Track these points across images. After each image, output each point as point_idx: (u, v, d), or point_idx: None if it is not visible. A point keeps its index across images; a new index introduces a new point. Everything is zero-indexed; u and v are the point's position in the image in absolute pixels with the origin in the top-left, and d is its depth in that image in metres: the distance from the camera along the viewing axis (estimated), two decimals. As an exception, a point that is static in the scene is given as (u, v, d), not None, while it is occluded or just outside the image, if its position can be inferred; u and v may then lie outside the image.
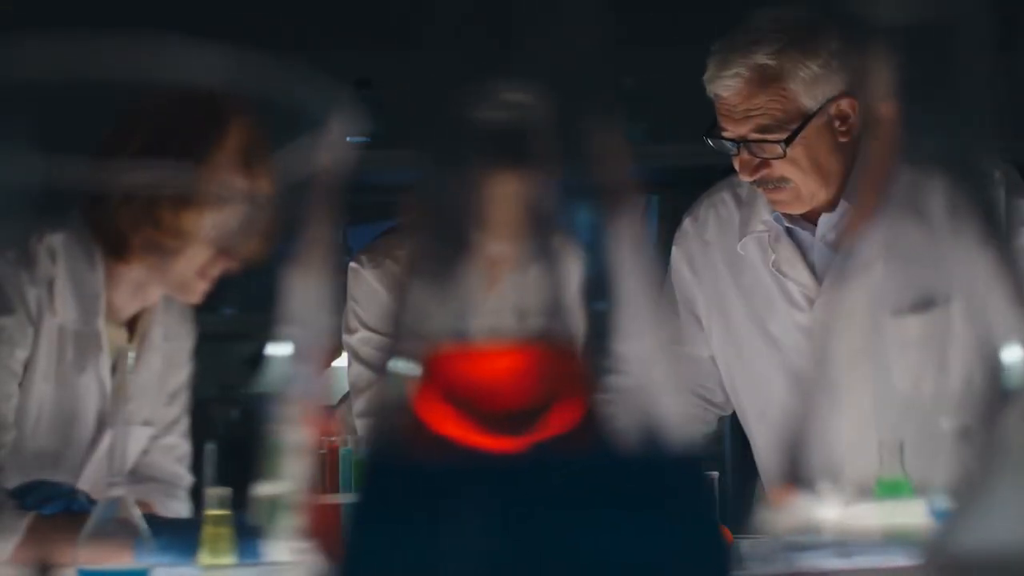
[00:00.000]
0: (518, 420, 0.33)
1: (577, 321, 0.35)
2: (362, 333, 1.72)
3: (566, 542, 0.30)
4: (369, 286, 1.71)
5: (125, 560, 1.13)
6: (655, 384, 0.32)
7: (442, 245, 0.34)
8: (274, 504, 1.43)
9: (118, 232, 1.40)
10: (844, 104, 1.64)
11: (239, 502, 1.22)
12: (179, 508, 1.55)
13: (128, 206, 1.38)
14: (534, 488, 0.31)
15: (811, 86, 1.60)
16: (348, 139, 0.42)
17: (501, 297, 0.34)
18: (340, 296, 1.72)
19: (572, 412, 0.33)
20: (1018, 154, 1.67)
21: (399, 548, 0.31)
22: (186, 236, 1.38)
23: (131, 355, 1.36)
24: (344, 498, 1.47)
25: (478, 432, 0.32)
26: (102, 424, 1.47)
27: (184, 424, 1.62)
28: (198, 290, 1.44)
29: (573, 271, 0.35)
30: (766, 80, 1.60)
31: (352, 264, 1.74)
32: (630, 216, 0.35)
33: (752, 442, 1.81)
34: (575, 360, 0.35)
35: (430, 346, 0.34)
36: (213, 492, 1.21)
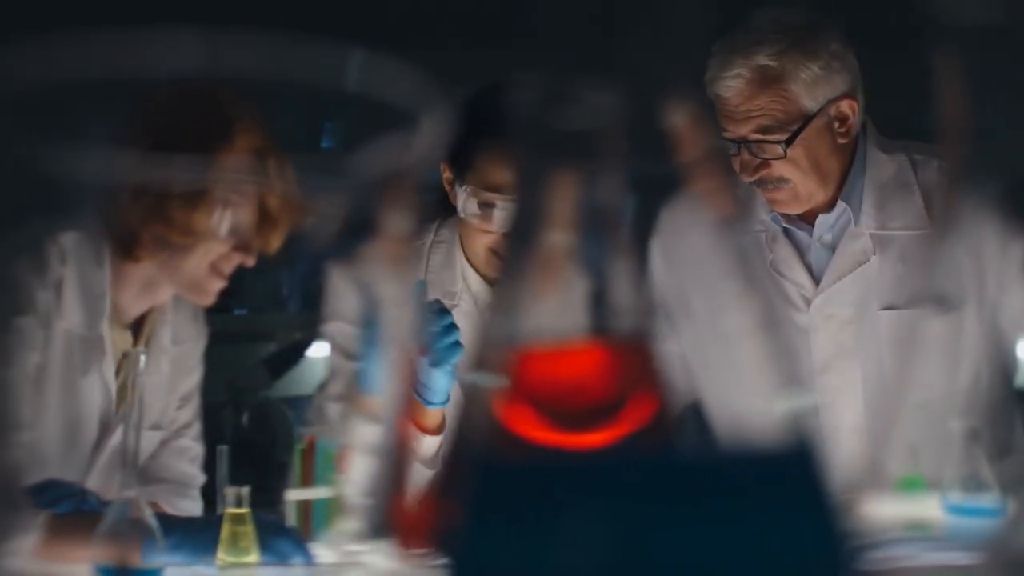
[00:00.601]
0: (594, 417, 0.33)
1: (648, 317, 0.35)
2: (335, 323, 1.74)
3: (683, 539, 0.30)
4: (337, 283, 1.74)
5: (136, 560, 1.14)
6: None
7: (525, 245, 0.35)
8: (322, 507, 1.43)
9: (129, 228, 1.40)
10: (844, 105, 1.65)
11: (254, 503, 1.23)
12: (191, 507, 1.55)
13: (139, 202, 1.38)
14: (647, 485, 0.31)
15: (812, 87, 1.61)
16: (438, 137, 0.43)
17: (570, 296, 0.34)
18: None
19: (647, 408, 0.34)
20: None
21: (513, 547, 0.31)
22: (197, 233, 1.39)
23: (142, 358, 1.37)
24: (320, 492, 1.47)
25: (555, 430, 0.33)
26: (106, 427, 1.47)
27: (197, 428, 1.61)
28: (212, 289, 1.44)
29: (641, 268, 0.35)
30: (767, 81, 1.61)
31: (331, 270, 1.77)
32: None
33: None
34: (647, 356, 0.35)
35: (510, 347, 0.34)
36: (232, 490, 1.21)
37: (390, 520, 0.45)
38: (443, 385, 1.55)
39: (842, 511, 0.32)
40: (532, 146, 0.34)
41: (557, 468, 0.32)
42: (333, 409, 1.72)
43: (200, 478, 1.59)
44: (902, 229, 1.67)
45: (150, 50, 0.39)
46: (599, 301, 0.35)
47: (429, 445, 1.64)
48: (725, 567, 0.30)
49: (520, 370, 0.34)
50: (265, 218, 1.41)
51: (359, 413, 1.61)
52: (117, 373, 1.48)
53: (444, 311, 1.54)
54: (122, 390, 1.49)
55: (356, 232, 1.49)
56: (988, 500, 1.26)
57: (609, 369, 0.35)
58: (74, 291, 1.42)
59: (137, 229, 1.41)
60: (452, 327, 1.50)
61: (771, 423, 0.33)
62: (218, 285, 1.43)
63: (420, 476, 1.66)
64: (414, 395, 1.58)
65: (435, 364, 1.51)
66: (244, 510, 1.20)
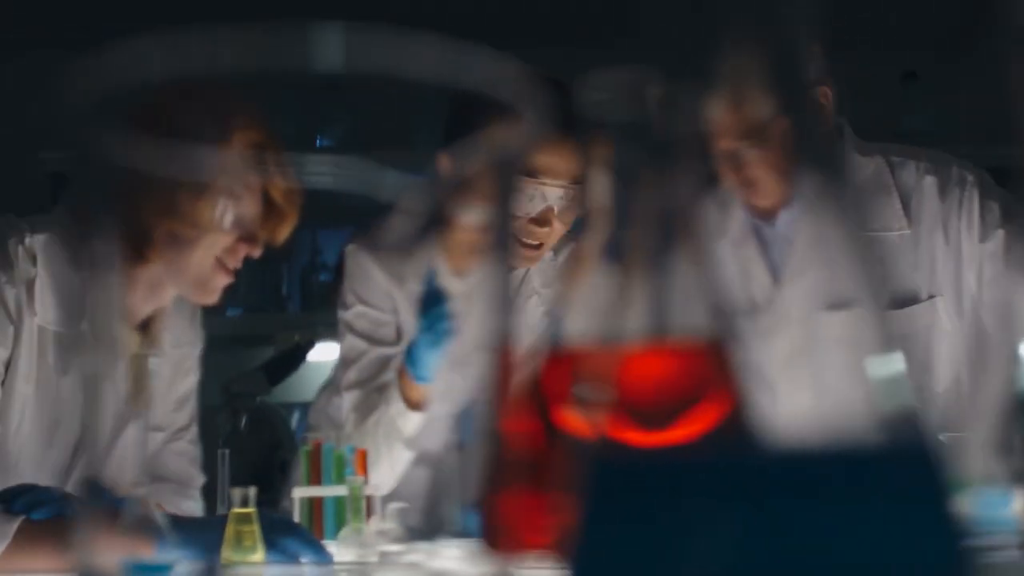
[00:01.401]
0: (670, 416, 0.33)
1: (722, 318, 0.35)
2: (358, 308, 1.77)
3: (807, 537, 0.30)
4: (364, 265, 1.77)
5: (146, 555, 1.11)
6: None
7: (610, 247, 0.35)
8: (334, 507, 1.45)
9: (141, 227, 1.38)
10: (817, 92, 1.65)
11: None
12: (191, 507, 1.54)
13: (151, 199, 1.35)
14: (775, 482, 0.31)
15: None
16: (537, 132, 0.43)
17: (645, 296, 0.34)
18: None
19: (721, 407, 0.34)
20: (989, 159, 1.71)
21: (636, 546, 0.31)
22: (203, 224, 1.37)
23: (152, 360, 1.35)
24: (332, 491, 1.48)
25: (635, 429, 0.33)
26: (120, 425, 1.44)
27: (194, 430, 1.61)
28: (217, 286, 1.42)
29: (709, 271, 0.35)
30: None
31: (349, 246, 1.78)
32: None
33: None
34: (722, 355, 0.36)
35: (589, 347, 0.35)
36: (238, 490, 1.20)
37: (488, 520, 0.44)
38: (434, 362, 1.64)
39: (955, 509, 0.32)
40: (622, 147, 0.35)
41: (682, 466, 0.32)
42: (348, 399, 1.72)
43: (200, 478, 1.59)
44: (879, 230, 1.67)
45: (267, 46, 0.39)
46: (673, 301, 0.35)
47: (413, 422, 1.69)
48: (851, 565, 0.30)
49: (604, 370, 0.35)
50: (271, 210, 1.40)
51: (401, 399, 1.62)
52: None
53: (442, 296, 1.62)
54: (130, 392, 1.47)
55: (431, 224, 1.53)
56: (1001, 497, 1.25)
57: (684, 368, 0.35)
58: (48, 290, 1.40)
59: (149, 227, 1.39)
60: (449, 311, 1.61)
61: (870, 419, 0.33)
62: (224, 281, 1.41)
63: (401, 456, 1.70)
64: (405, 370, 1.66)
65: (431, 344, 1.62)
66: (249, 509, 1.19)
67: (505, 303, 0.46)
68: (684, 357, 0.35)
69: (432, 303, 1.62)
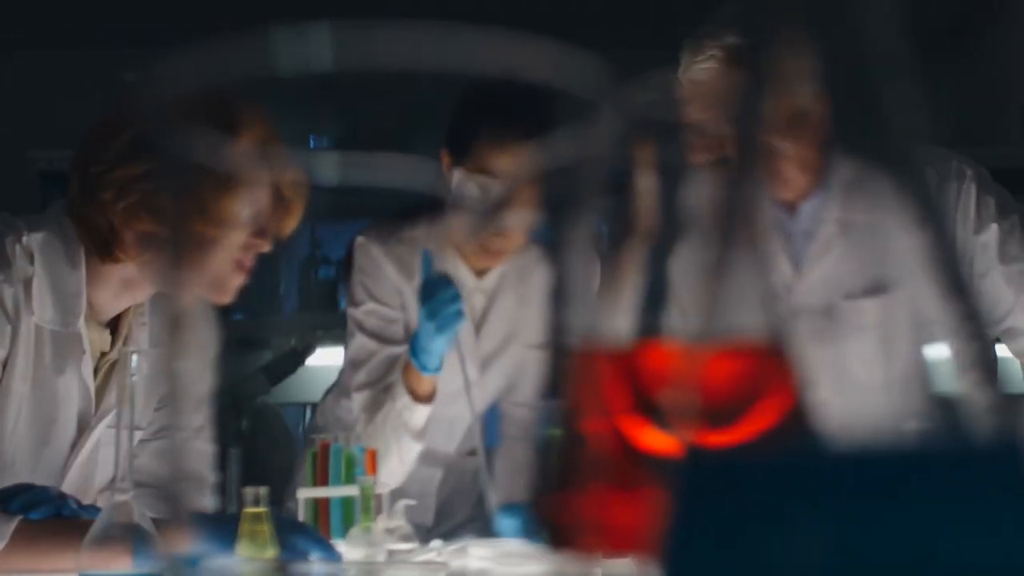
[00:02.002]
0: (730, 415, 0.34)
1: (779, 318, 0.35)
2: (369, 305, 1.74)
3: (910, 535, 0.29)
4: (376, 260, 1.75)
5: (125, 566, 1.10)
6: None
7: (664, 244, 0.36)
8: (341, 507, 1.44)
9: (111, 229, 1.37)
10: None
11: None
12: (207, 505, 1.52)
13: (120, 201, 1.35)
14: (870, 481, 0.30)
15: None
16: (616, 132, 0.42)
17: (704, 296, 0.34)
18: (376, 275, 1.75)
19: (782, 405, 0.35)
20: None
21: (732, 547, 0.30)
22: (228, 222, 1.36)
23: (135, 358, 1.33)
24: (339, 491, 1.46)
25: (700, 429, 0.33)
26: (84, 427, 1.43)
27: (208, 430, 1.59)
28: (233, 285, 1.40)
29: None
30: (740, 59, 1.61)
31: (359, 239, 1.76)
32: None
33: None
34: (780, 354, 0.36)
35: (653, 347, 0.36)
36: (249, 490, 1.19)
37: (563, 521, 0.43)
38: (441, 352, 1.62)
39: None
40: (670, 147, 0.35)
41: (774, 465, 0.31)
42: (358, 400, 1.70)
43: (213, 477, 1.56)
44: (883, 222, 1.68)
45: (375, 46, 0.38)
46: (729, 300, 0.35)
47: (420, 415, 1.66)
48: (950, 566, 0.29)
49: (664, 370, 0.35)
50: (279, 203, 1.38)
51: (407, 393, 1.60)
52: (95, 372, 1.44)
53: (449, 281, 1.60)
54: (101, 390, 1.45)
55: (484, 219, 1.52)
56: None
57: (746, 368, 0.36)
58: (45, 288, 1.38)
59: (119, 228, 1.38)
60: (457, 296, 1.58)
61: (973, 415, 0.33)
62: (239, 280, 1.39)
63: (409, 450, 1.66)
64: (411, 361, 1.64)
65: (440, 330, 1.58)
66: (262, 509, 1.17)
67: (586, 301, 0.44)
68: (745, 357, 0.35)
69: (435, 289, 1.58)
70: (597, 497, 0.40)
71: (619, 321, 0.46)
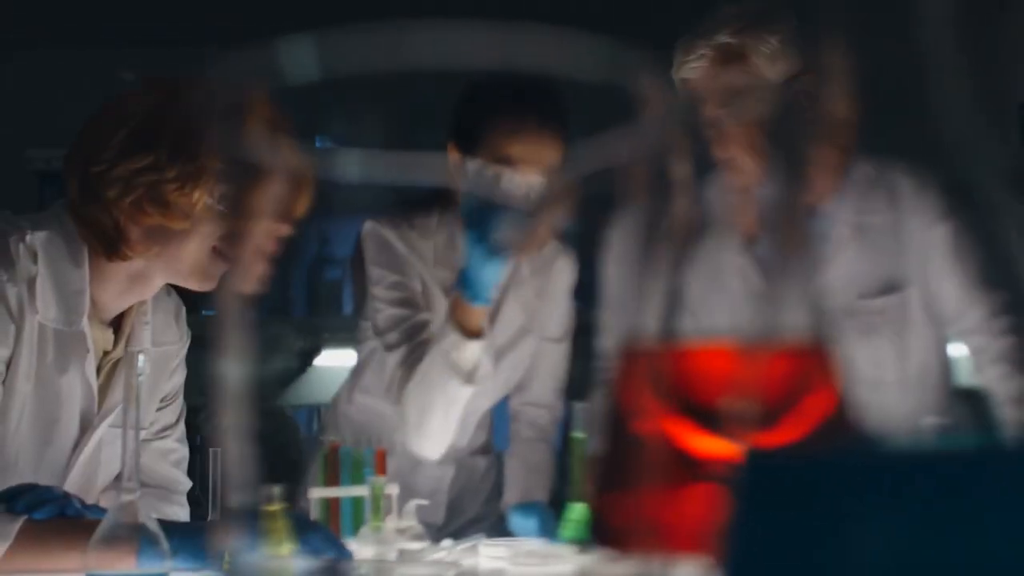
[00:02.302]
0: (776, 415, 0.34)
1: (822, 318, 0.35)
2: (389, 278, 1.72)
3: (970, 535, 0.29)
4: (387, 240, 1.73)
5: (131, 566, 1.09)
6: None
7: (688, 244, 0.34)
8: (352, 507, 1.42)
9: (116, 227, 1.36)
10: (807, 80, 1.64)
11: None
12: (177, 513, 1.49)
13: (125, 197, 1.33)
14: (928, 482, 0.30)
15: (773, 61, 1.60)
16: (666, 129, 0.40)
17: (743, 294, 0.33)
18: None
19: (824, 405, 0.35)
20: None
21: (796, 547, 0.30)
22: (195, 216, 1.34)
23: (141, 357, 1.31)
24: (350, 491, 1.44)
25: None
26: (86, 426, 1.42)
27: (181, 429, 1.56)
28: (214, 273, 1.38)
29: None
30: (730, 58, 1.61)
31: (368, 224, 1.74)
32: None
33: None
34: (824, 355, 0.36)
35: (684, 346, 0.36)
36: (264, 489, 1.17)
37: (616, 521, 0.43)
38: (491, 281, 1.54)
39: None
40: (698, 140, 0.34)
41: (835, 465, 0.31)
42: (393, 358, 1.66)
43: (185, 483, 1.54)
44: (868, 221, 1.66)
45: (423, 45, 0.38)
46: (777, 300, 0.35)
47: (471, 352, 1.59)
48: (1015, 567, 0.29)
49: (705, 369, 0.35)
50: (292, 184, 1.36)
51: (456, 330, 1.57)
52: (98, 371, 1.42)
53: (491, 204, 1.51)
54: (104, 389, 1.43)
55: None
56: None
57: (791, 369, 0.35)
58: (49, 287, 1.36)
59: (125, 226, 1.36)
60: (502, 220, 1.49)
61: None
62: (263, 267, 1.37)
63: (456, 400, 1.61)
64: (459, 292, 1.56)
65: (484, 258, 1.49)
66: (275, 507, 1.15)
67: (640, 302, 0.42)
68: (790, 358, 0.36)
69: (480, 214, 1.49)
70: (653, 499, 0.39)
71: (660, 322, 0.45)
